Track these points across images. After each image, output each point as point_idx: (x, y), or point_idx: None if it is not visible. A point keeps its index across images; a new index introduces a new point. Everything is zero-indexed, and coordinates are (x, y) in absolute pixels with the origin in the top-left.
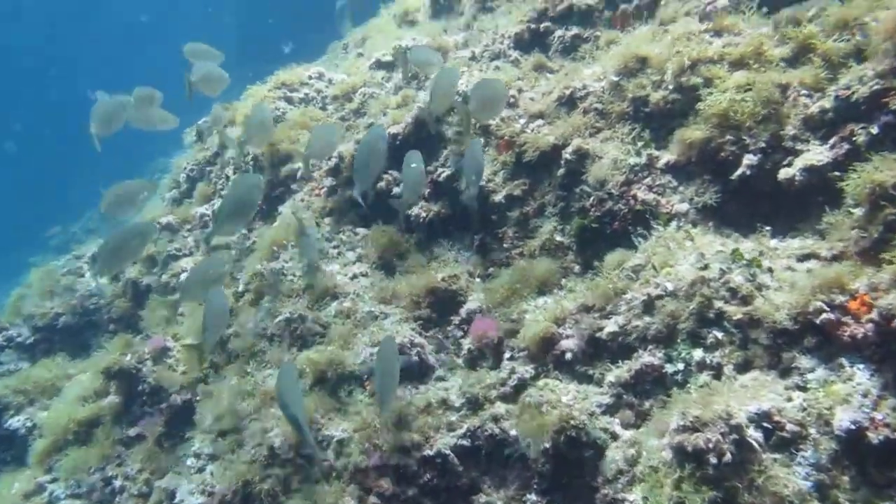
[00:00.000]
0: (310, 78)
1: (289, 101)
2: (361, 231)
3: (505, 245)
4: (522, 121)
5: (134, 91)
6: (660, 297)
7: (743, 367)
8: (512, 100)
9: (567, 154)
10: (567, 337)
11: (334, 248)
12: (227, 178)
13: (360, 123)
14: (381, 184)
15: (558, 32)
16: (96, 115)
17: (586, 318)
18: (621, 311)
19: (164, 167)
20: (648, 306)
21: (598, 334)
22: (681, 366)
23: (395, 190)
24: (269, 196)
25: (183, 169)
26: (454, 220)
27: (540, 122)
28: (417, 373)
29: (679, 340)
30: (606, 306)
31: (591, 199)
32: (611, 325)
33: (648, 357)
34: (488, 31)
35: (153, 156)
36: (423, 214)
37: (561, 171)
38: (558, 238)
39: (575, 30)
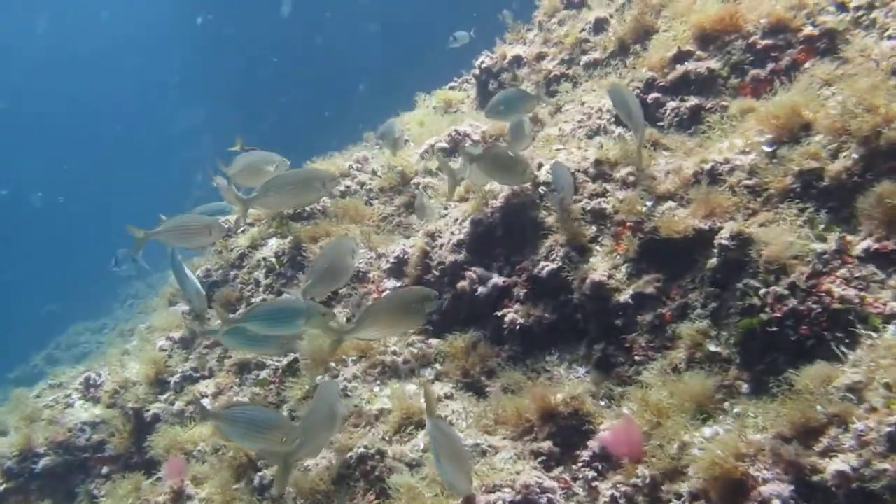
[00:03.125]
0: (351, 168)
1: (328, 195)
2: (435, 342)
3: (636, 357)
4: (649, 203)
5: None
6: None
7: None
8: (631, 178)
9: (722, 240)
10: (766, 480)
11: (405, 363)
12: (257, 282)
13: (413, 221)
14: (464, 283)
15: (672, 104)
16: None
17: (788, 453)
18: (848, 447)
19: (137, 293)
20: None
21: (815, 477)
22: None
23: (480, 290)
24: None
25: (196, 275)
26: (560, 328)
27: (671, 203)
28: None
29: None
30: (820, 438)
31: (765, 295)
32: (837, 464)
33: None
34: (570, 109)
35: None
36: (520, 320)
37: (712, 262)
38: (712, 347)
39: (694, 100)
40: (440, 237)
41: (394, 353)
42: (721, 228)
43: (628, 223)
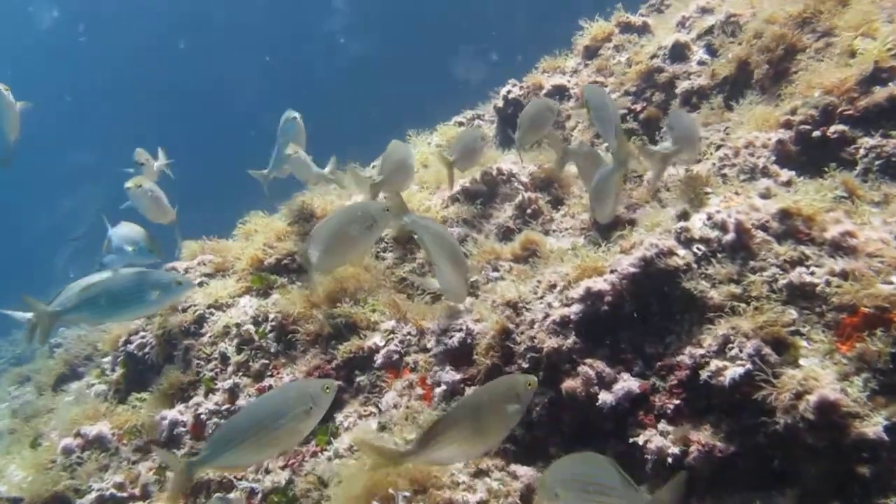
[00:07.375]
0: None
1: None
2: (523, 472)
3: None
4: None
5: None
6: None
7: None
8: (849, 241)
9: None
10: None
11: None
12: (224, 358)
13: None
14: (573, 383)
15: (868, 141)
16: None
17: None
18: None
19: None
20: None
21: None
22: None
23: (603, 397)
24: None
25: (119, 346)
26: (737, 465)
27: None
28: None
29: None
30: None
31: None
32: None
33: None
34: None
35: None
36: (672, 450)
37: None
38: None
39: None
40: (527, 310)
41: (465, 487)
42: None
43: (863, 310)
